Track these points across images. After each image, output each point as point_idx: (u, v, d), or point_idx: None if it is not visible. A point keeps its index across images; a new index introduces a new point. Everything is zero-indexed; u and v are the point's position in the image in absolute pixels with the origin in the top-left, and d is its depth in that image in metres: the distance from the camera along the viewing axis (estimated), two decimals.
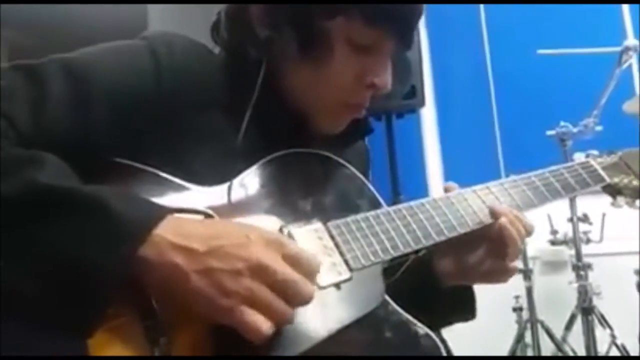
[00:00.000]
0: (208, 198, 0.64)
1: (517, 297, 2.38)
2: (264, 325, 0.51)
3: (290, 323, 0.54)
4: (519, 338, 2.29)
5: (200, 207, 0.59)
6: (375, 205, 0.74)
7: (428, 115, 3.12)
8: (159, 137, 0.65)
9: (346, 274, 0.63)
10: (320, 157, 0.75)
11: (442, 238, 0.73)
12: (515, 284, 2.33)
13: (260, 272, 0.52)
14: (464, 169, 2.93)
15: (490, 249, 0.77)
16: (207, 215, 0.60)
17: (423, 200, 0.76)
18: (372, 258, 0.66)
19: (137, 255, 0.51)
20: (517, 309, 2.37)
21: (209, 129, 0.68)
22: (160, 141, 0.65)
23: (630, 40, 1.90)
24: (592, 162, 0.93)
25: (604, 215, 2.09)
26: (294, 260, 0.54)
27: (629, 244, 2.39)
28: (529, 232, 0.79)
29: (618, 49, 1.91)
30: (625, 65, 1.90)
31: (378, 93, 0.74)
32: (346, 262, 0.64)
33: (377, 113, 2.20)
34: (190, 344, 0.55)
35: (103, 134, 0.62)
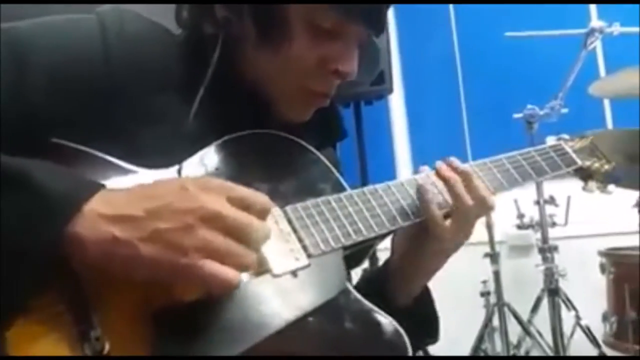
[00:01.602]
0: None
1: (484, 282, 2.39)
2: (230, 273, 0.47)
3: (254, 268, 0.51)
4: (487, 322, 2.30)
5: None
6: (339, 189, 0.69)
7: (396, 101, 3.11)
8: (105, 117, 0.60)
9: (304, 261, 0.58)
10: (281, 139, 0.70)
11: (408, 222, 0.69)
12: (483, 269, 2.34)
13: (210, 220, 0.48)
14: (432, 154, 2.91)
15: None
16: None
17: (389, 183, 0.72)
18: (333, 243, 0.61)
19: (66, 233, 0.45)
20: (485, 294, 2.38)
21: (160, 109, 0.63)
22: (107, 121, 0.60)
23: (596, 22, 1.90)
24: (564, 144, 0.91)
25: (569, 198, 2.10)
26: (242, 202, 0.50)
27: (593, 227, 2.44)
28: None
29: (584, 30, 1.91)
30: (590, 47, 1.90)
31: (343, 81, 0.70)
32: (304, 247, 0.59)
33: (346, 99, 2.18)
34: (127, 335, 0.50)
35: (41, 110, 0.57)
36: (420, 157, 3.10)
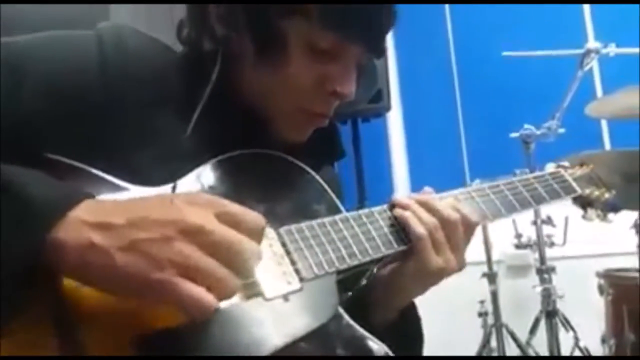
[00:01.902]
0: None
1: (482, 302, 2.37)
2: (206, 298, 0.43)
3: (235, 293, 0.47)
4: (485, 343, 2.27)
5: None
6: (335, 211, 0.68)
7: (394, 119, 3.11)
8: (100, 131, 0.59)
9: (296, 285, 0.57)
10: (277, 159, 0.69)
11: (403, 247, 0.68)
12: (481, 289, 2.32)
13: (192, 233, 0.44)
14: (430, 173, 2.94)
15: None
16: None
17: (385, 206, 0.71)
18: (326, 267, 0.60)
19: (49, 239, 0.43)
20: (483, 314, 2.36)
21: (158, 125, 0.63)
22: (103, 138, 0.59)
23: (592, 43, 1.91)
24: (564, 172, 0.90)
25: (566, 218, 2.09)
26: (232, 218, 0.47)
27: (591, 247, 2.42)
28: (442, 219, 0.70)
29: (581, 51, 1.92)
30: (587, 68, 1.90)
31: (341, 101, 0.70)
32: (297, 271, 0.58)
33: (343, 117, 2.18)
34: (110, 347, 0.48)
35: (36, 126, 0.57)
36: (418, 175, 3.10)
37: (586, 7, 2.73)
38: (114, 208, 0.47)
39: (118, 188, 0.57)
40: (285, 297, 0.56)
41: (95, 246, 0.44)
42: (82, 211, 0.45)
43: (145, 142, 0.61)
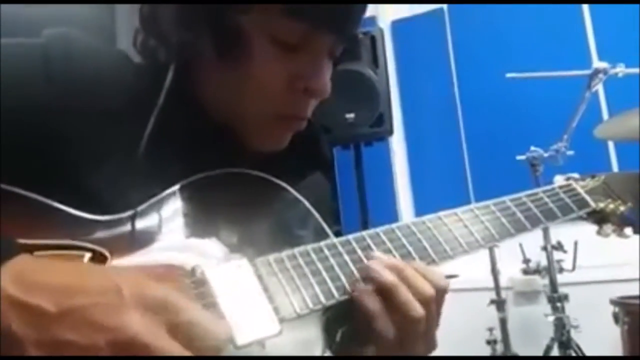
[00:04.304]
0: (104, 230, 0.51)
1: (490, 330, 2.28)
2: None
3: None
4: None
5: (82, 242, 0.46)
6: (321, 235, 0.61)
7: (397, 143, 3.07)
8: (46, 153, 0.53)
9: (274, 328, 0.48)
10: (253, 178, 0.62)
11: None
12: (489, 316, 2.24)
13: (130, 351, 0.37)
14: (434, 196, 2.88)
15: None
16: (96, 254, 0.46)
17: (378, 230, 0.63)
18: (310, 304, 0.51)
19: None
20: (491, 342, 2.27)
21: (111, 142, 0.56)
22: (51, 156, 0.53)
23: (600, 63, 1.85)
24: (575, 184, 0.82)
25: (576, 243, 2.02)
26: (186, 332, 0.39)
27: (602, 273, 2.34)
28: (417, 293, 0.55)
29: (587, 72, 1.86)
30: (595, 88, 1.84)
31: (315, 99, 0.62)
32: (275, 310, 0.49)
33: (345, 141, 2.16)
34: None
35: None
36: (422, 199, 3.05)
37: (589, 28, 2.69)
38: (48, 282, 0.39)
39: (69, 217, 0.50)
40: (261, 343, 0.47)
41: (12, 334, 0.36)
42: (10, 280, 0.38)
43: (97, 160, 0.54)
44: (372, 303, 0.53)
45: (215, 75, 0.60)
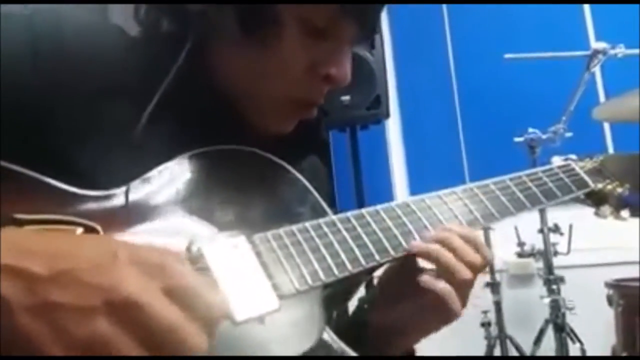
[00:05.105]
0: (96, 205, 0.49)
1: (485, 312, 2.28)
2: None
3: None
4: (488, 354, 2.19)
5: (73, 217, 0.44)
6: (320, 213, 0.60)
7: (393, 126, 3.05)
8: (36, 129, 0.51)
9: (273, 304, 0.47)
10: (252, 155, 0.60)
11: (401, 253, 0.59)
12: (483, 298, 2.24)
13: (125, 311, 0.35)
14: (430, 179, 2.87)
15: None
16: (87, 228, 0.45)
17: (378, 207, 0.62)
18: (310, 281, 0.50)
19: None
20: (486, 324, 2.28)
21: (104, 118, 0.54)
22: (38, 134, 0.51)
23: (599, 44, 1.84)
24: (574, 165, 0.82)
25: (571, 226, 2.02)
26: (183, 297, 0.38)
27: (597, 256, 2.35)
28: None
29: (586, 52, 1.84)
30: (593, 69, 1.83)
31: (333, 88, 0.61)
32: (274, 286, 0.48)
33: (341, 124, 2.13)
34: None
35: None
36: (417, 182, 3.04)
37: (587, 8, 2.67)
38: (39, 247, 0.37)
39: (61, 192, 0.48)
40: (260, 319, 0.46)
41: (2, 299, 0.34)
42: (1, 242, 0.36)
43: (88, 136, 0.52)
44: (441, 284, 0.58)
45: (235, 52, 0.59)
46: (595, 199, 0.85)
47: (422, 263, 0.60)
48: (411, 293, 0.61)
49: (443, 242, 0.60)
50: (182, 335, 0.37)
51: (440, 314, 0.61)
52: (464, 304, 0.61)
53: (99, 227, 0.46)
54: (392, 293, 0.64)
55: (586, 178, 0.81)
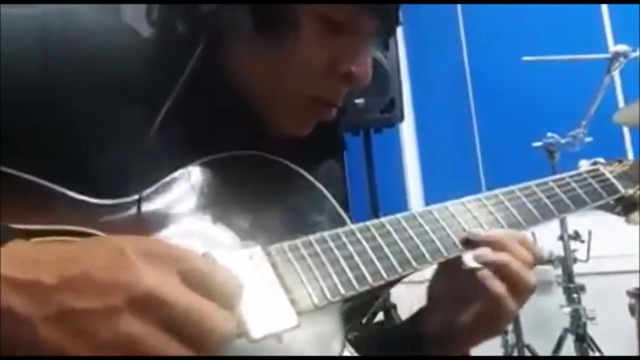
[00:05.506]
0: (108, 215, 0.47)
1: None
2: None
3: None
4: None
5: (84, 228, 0.42)
6: (338, 221, 0.57)
7: (407, 129, 3.02)
8: (45, 134, 0.49)
9: (291, 320, 0.44)
10: (268, 162, 0.58)
11: (425, 265, 0.56)
12: None
13: (148, 306, 0.34)
14: (445, 184, 2.84)
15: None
16: None
17: (398, 216, 0.59)
18: (329, 296, 0.47)
19: None
20: (503, 332, 2.24)
21: (116, 122, 0.52)
22: (49, 134, 0.50)
23: (620, 46, 1.79)
24: (603, 169, 0.78)
25: (590, 232, 1.97)
26: (200, 279, 0.36)
27: (616, 263, 2.30)
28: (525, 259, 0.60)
29: (607, 55, 1.80)
30: (614, 72, 1.78)
31: (352, 87, 0.59)
32: (292, 301, 0.45)
33: (355, 127, 2.12)
34: None
35: None
36: (432, 187, 3.01)
37: (605, 11, 2.62)
38: (44, 257, 0.35)
39: (72, 202, 0.46)
40: (278, 337, 0.43)
41: (14, 314, 0.32)
42: (2, 261, 0.34)
43: (100, 137, 0.51)
44: (498, 285, 0.57)
45: (251, 51, 0.57)
46: (625, 205, 0.82)
47: (471, 264, 0.59)
48: (462, 296, 0.60)
49: (495, 244, 0.59)
50: (211, 322, 0.35)
51: (495, 316, 0.59)
52: (520, 304, 0.59)
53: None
54: (443, 300, 0.63)
55: (616, 183, 0.78)
